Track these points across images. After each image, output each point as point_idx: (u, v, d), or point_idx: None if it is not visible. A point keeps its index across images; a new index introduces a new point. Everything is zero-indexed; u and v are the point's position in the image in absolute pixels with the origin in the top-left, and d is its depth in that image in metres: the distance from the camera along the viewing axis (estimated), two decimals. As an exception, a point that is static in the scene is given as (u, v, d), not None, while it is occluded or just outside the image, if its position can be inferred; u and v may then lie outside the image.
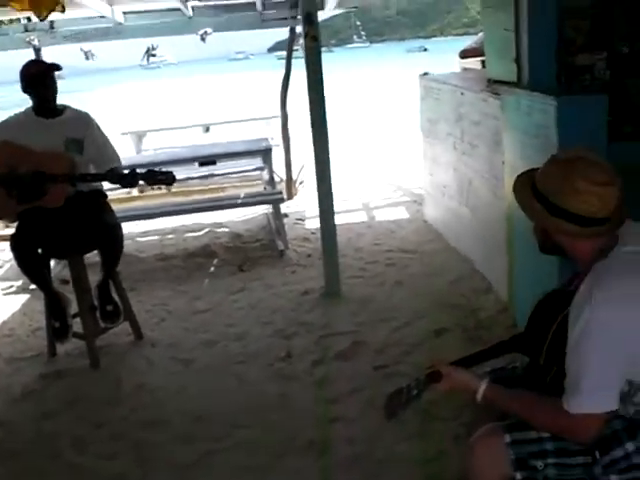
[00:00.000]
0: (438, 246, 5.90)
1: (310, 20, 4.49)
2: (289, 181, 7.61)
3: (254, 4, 6.79)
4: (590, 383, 1.82)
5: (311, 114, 4.67)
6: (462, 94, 5.15)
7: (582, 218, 1.91)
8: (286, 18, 6.96)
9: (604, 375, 1.82)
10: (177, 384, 4.01)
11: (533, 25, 3.82)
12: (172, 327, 4.79)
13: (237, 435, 3.44)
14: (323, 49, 4.92)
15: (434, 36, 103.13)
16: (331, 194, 4.89)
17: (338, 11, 8.05)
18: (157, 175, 3.88)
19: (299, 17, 7.04)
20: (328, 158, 4.78)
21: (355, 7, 11.24)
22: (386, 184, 8.45)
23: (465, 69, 7.21)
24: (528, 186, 2.06)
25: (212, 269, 5.91)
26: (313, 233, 6.62)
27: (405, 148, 10.26)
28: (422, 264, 5.56)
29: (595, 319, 1.80)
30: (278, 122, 8.78)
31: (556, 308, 2.12)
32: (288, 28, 7.18)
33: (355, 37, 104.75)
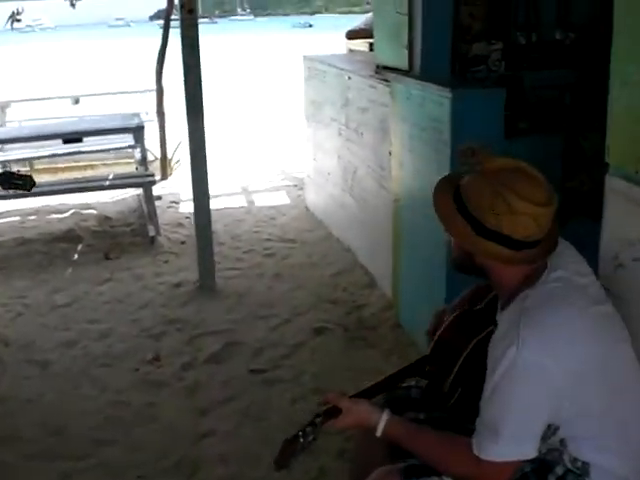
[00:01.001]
0: (319, 235, 5.66)
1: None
2: (164, 160, 7.16)
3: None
4: (510, 430, 1.59)
5: (186, 89, 4.29)
6: (349, 78, 4.90)
7: (516, 241, 1.65)
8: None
9: (527, 423, 1.61)
10: (31, 391, 3.58)
11: (428, 9, 3.58)
12: (29, 323, 4.32)
13: (100, 453, 3.07)
14: (205, 20, 4.53)
15: (319, 12, 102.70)
16: (206, 176, 4.53)
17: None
18: (13, 179, 3.39)
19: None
20: (203, 136, 4.42)
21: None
22: (266, 167, 8.12)
23: (351, 51, 6.97)
24: (450, 196, 1.74)
25: (76, 256, 5.42)
26: (187, 218, 6.21)
27: (287, 129, 9.98)
28: (303, 254, 5.29)
29: (522, 362, 1.56)
30: (154, 96, 8.34)
31: (468, 331, 1.90)
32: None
33: (239, 9, 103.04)
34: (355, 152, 4.89)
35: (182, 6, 4.10)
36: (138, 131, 5.82)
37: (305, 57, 6.01)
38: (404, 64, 3.80)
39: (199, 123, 4.35)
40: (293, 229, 5.85)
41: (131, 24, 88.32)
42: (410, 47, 3.74)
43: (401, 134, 3.79)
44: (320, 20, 78.71)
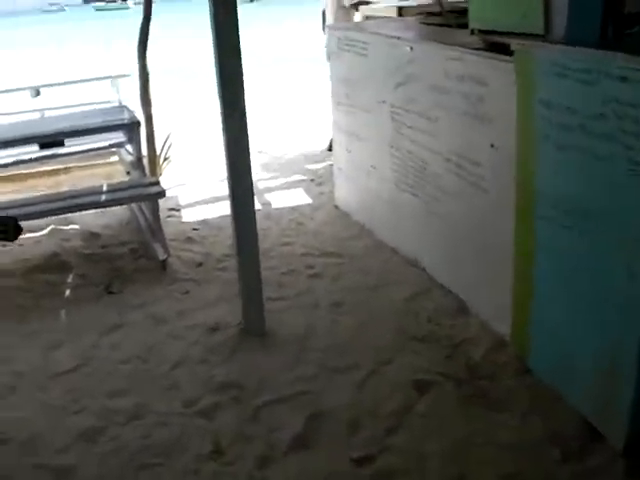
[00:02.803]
0: (367, 244, 4.61)
1: None
2: (152, 158, 5.98)
3: None
4: None
5: (221, 79, 3.18)
6: (411, 49, 3.84)
7: None
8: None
9: None
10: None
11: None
12: (26, 403, 3.16)
13: None
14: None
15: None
16: (251, 189, 3.46)
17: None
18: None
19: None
20: (246, 141, 3.33)
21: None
22: (272, 157, 6.99)
23: (367, 17, 5.91)
24: None
25: (68, 292, 4.28)
26: (196, 229, 5.13)
27: (285, 112, 8.91)
28: (357, 272, 4.24)
29: None
30: (125, 82, 7.19)
31: None
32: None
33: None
34: (423, 142, 3.85)
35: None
36: (132, 128, 4.66)
37: (331, 27, 4.91)
38: (536, 25, 2.76)
39: (239, 122, 3.25)
40: (331, 237, 4.79)
41: (65, 8, 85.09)
42: (546, 2, 2.70)
43: (536, 123, 2.75)
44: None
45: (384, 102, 4.26)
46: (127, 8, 67.68)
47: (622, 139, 2.30)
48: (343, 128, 4.97)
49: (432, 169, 3.81)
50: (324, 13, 6.70)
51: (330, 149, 6.03)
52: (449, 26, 4.44)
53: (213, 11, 3.07)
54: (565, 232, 2.72)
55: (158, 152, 6.34)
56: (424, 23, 4.66)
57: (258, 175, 6.31)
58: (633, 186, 2.32)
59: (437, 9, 4.90)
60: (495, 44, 3.10)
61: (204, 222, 5.20)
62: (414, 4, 5.88)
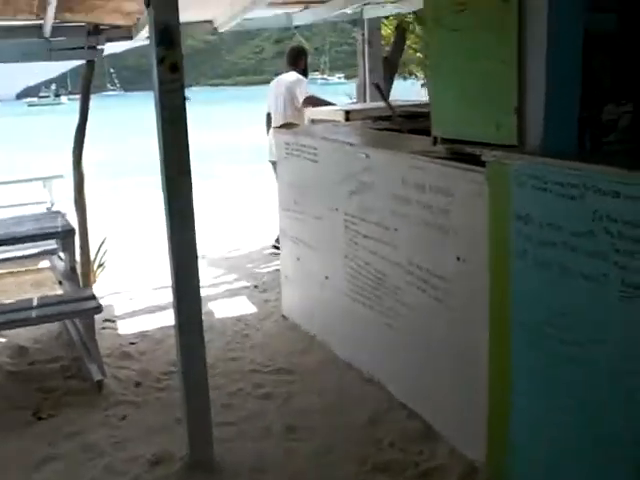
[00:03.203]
0: (319, 359, 4.33)
1: (169, 39, 2.79)
2: (86, 266, 5.62)
3: (40, 27, 4.86)
4: None
5: (166, 174, 2.93)
6: (367, 157, 3.69)
7: None
8: (82, 47, 5.10)
9: None
10: None
11: (554, 56, 2.44)
12: None
13: None
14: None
15: (190, 86, 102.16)
16: (198, 302, 3.17)
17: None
18: None
19: (99, 47, 5.26)
20: (194, 251, 3.06)
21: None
22: (211, 261, 6.72)
23: (314, 121, 5.82)
24: None
25: (-9, 417, 3.85)
26: (133, 343, 4.77)
27: (220, 215, 8.71)
28: (310, 391, 3.94)
29: None
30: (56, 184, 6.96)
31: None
32: (82, 61, 5.31)
33: (109, 85, 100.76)
34: (381, 253, 3.66)
35: (161, 61, 2.78)
36: (66, 236, 4.34)
37: (278, 131, 4.76)
38: (509, 136, 2.63)
39: (188, 233, 3.00)
40: (281, 351, 4.49)
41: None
42: (520, 111, 2.58)
43: (511, 237, 2.59)
44: (193, 94, 78.04)
45: (337, 210, 4.08)
46: (60, 104, 67.67)
47: (614, 258, 2.14)
48: (291, 235, 4.76)
49: (391, 281, 3.60)
50: (269, 116, 6.61)
51: (276, 247, 5.83)
52: (400, 131, 4.35)
53: (161, 130, 2.86)
54: (548, 358, 2.52)
55: (92, 258, 6.01)
56: (374, 128, 4.56)
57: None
58: (625, 310, 2.15)
59: (386, 113, 4.84)
60: (459, 152, 2.96)
61: (142, 335, 4.85)
62: (360, 107, 5.83)
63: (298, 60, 6.63)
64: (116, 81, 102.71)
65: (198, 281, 3.10)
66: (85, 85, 5.38)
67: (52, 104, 69.18)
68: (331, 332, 4.38)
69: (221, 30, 6.00)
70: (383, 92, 4.60)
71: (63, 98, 71.43)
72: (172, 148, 2.89)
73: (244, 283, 5.99)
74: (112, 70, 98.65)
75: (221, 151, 21.46)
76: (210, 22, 5.91)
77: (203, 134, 25.82)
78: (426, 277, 3.28)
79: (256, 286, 5.85)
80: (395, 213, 3.47)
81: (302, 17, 6.68)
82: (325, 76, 70.50)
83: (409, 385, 3.60)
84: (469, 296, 2.99)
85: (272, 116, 6.52)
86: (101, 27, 5.18)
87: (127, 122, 37.89)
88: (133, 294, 5.76)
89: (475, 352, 2.93)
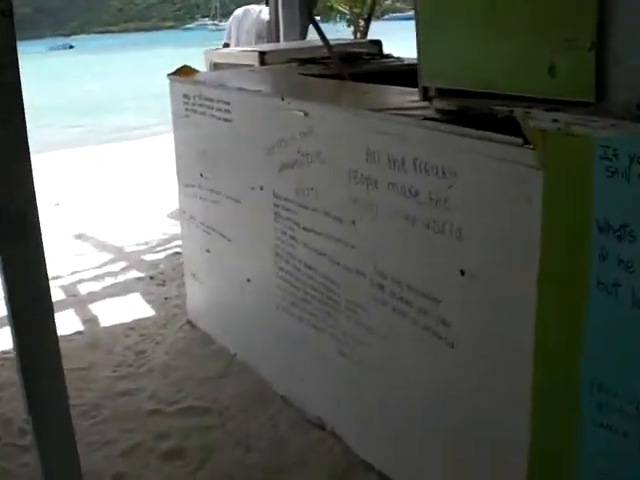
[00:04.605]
0: (243, 387, 3.21)
1: None
2: None
3: None
4: None
5: None
6: (305, 115, 2.55)
7: None
8: None
9: None
10: None
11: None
12: None
13: None
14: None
15: (75, 34, 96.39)
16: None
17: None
18: None
19: None
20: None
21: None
22: (93, 244, 5.43)
23: (216, 65, 4.61)
24: None
25: None
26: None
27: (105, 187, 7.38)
28: (235, 443, 2.83)
29: None
30: None
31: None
32: None
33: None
34: (332, 254, 2.56)
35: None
36: None
37: (173, 79, 3.52)
38: (576, 87, 1.54)
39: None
40: (189, 377, 3.34)
41: None
42: (601, 47, 1.49)
43: (587, 259, 1.53)
44: (79, 42, 73.60)
45: (261, 189, 2.94)
46: None
47: None
48: (197, 219, 3.58)
49: (348, 295, 2.52)
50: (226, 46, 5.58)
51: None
52: (341, 78, 3.24)
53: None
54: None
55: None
56: (306, 74, 3.41)
57: (77, 273, 4.76)
58: None
59: (313, 55, 3.72)
60: (471, 112, 1.87)
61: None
62: (278, 47, 4.66)
63: None
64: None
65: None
66: None
67: None
68: (257, 353, 3.27)
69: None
70: (319, 28, 3.44)
71: None
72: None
73: (136, 273, 4.75)
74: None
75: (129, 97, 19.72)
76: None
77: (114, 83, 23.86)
78: (408, 296, 2.20)
79: (152, 277, 4.64)
80: (354, 200, 2.36)
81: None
82: (216, 22, 66.61)
83: (376, 438, 2.55)
84: (478, 331, 1.95)
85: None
86: None
87: None
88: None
89: (498, 425, 1.90)
